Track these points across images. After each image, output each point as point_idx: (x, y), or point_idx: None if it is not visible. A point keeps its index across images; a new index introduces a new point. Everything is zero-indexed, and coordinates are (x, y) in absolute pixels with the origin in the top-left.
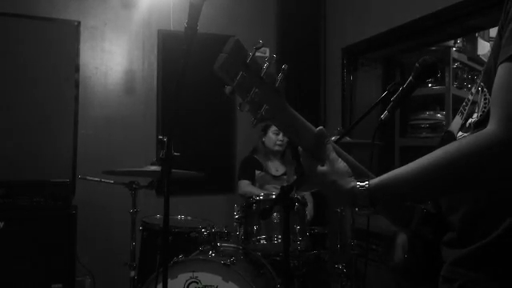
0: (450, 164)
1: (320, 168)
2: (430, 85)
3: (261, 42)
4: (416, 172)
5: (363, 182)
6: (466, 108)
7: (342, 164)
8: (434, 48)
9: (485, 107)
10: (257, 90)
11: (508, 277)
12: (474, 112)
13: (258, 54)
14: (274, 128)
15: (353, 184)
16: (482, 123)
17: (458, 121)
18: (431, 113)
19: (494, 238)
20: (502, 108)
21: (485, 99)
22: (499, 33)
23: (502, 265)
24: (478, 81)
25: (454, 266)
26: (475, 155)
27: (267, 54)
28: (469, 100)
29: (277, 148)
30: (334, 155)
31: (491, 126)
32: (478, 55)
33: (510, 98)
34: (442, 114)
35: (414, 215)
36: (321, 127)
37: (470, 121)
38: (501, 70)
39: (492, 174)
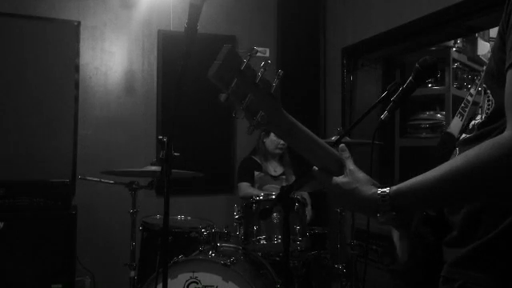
0: (469, 171)
1: (339, 178)
2: (430, 85)
3: (255, 49)
4: (436, 179)
5: (384, 187)
6: (466, 109)
7: (362, 173)
8: (434, 48)
9: (488, 109)
10: (252, 96)
11: (508, 276)
12: (477, 114)
13: (258, 54)
14: None
15: (374, 190)
16: (486, 124)
17: (457, 122)
18: (431, 113)
19: (493, 237)
20: None
21: (488, 101)
22: (500, 34)
23: (502, 264)
24: (478, 82)
25: (454, 266)
26: (494, 162)
27: (267, 55)
28: (468, 101)
29: (277, 151)
30: (354, 166)
31: (508, 132)
32: (478, 55)
33: None
34: (441, 115)
35: (413, 217)
36: (343, 144)
37: (473, 122)
38: (510, 74)
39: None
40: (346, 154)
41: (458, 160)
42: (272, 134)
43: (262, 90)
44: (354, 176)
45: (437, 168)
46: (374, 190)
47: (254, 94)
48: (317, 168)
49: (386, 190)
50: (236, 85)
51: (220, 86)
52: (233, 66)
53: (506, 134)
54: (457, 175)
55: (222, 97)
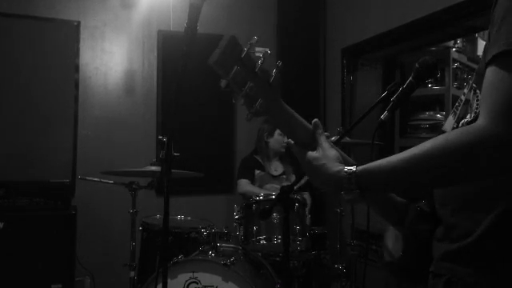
0: (437, 155)
1: (311, 153)
2: (429, 85)
3: (255, 38)
4: (404, 161)
5: (352, 166)
6: (459, 108)
7: (333, 151)
8: (433, 48)
9: (477, 108)
10: (251, 84)
11: (494, 271)
12: (467, 112)
13: (257, 54)
14: (280, 130)
15: (340, 167)
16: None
17: (450, 121)
18: (431, 113)
19: (481, 234)
20: (489, 104)
21: (477, 100)
22: (489, 35)
23: (489, 259)
24: (471, 81)
25: (441, 261)
26: (463, 147)
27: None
28: (461, 100)
29: (283, 150)
30: (326, 144)
31: (480, 121)
32: (478, 56)
33: (497, 96)
34: (441, 115)
35: (408, 213)
36: (316, 119)
37: (463, 121)
38: (488, 71)
39: (477, 166)
40: (320, 130)
41: (427, 142)
42: (276, 134)
43: (261, 78)
44: (324, 153)
45: (406, 150)
46: (340, 167)
47: (254, 82)
48: (292, 141)
49: (353, 168)
50: (236, 72)
51: (220, 73)
52: (233, 54)
53: (477, 123)
54: (422, 156)
55: (223, 83)
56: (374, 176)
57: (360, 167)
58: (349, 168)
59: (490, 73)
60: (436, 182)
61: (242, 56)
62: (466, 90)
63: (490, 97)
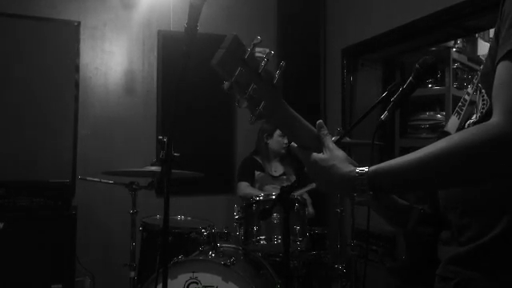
0: (451, 154)
1: (317, 154)
2: (430, 85)
3: (259, 38)
4: (417, 160)
5: (363, 166)
6: (463, 108)
7: (341, 152)
8: (434, 48)
9: (483, 108)
10: (255, 86)
11: (505, 275)
12: (472, 113)
13: (258, 54)
14: (279, 131)
15: (352, 168)
16: (479, 123)
17: (454, 121)
18: (431, 113)
19: (492, 237)
20: (504, 102)
21: (483, 100)
22: (496, 34)
23: (499, 263)
24: (475, 81)
25: (449, 264)
26: (477, 146)
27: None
28: (465, 100)
29: (283, 151)
30: (333, 144)
31: (494, 119)
32: (478, 56)
33: (510, 92)
34: (442, 115)
35: (410, 215)
36: (320, 120)
37: (468, 122)
38: (500, 67)
39: (493, 165)
40: (324, 130)
41: (441, 142)
42: (276, 135)
43: (265, 80)
44: (332, 153)
45: (419, 150)
46: (352, 168)
47: (257, 83)
48: (296, 144)
49: (365, 168)
50: (239, 74)
51: (223, 75)
52: (236, 55)
53: (492, 120)
54: (438, 156)
55: (226, 85)
56: (387, 176)
57: (372, 167)
58: (360, 169)
59: (503, 69)
60: (450, 181)
61: (246, 57)
62: (470, 90)
63: (503, 94)
